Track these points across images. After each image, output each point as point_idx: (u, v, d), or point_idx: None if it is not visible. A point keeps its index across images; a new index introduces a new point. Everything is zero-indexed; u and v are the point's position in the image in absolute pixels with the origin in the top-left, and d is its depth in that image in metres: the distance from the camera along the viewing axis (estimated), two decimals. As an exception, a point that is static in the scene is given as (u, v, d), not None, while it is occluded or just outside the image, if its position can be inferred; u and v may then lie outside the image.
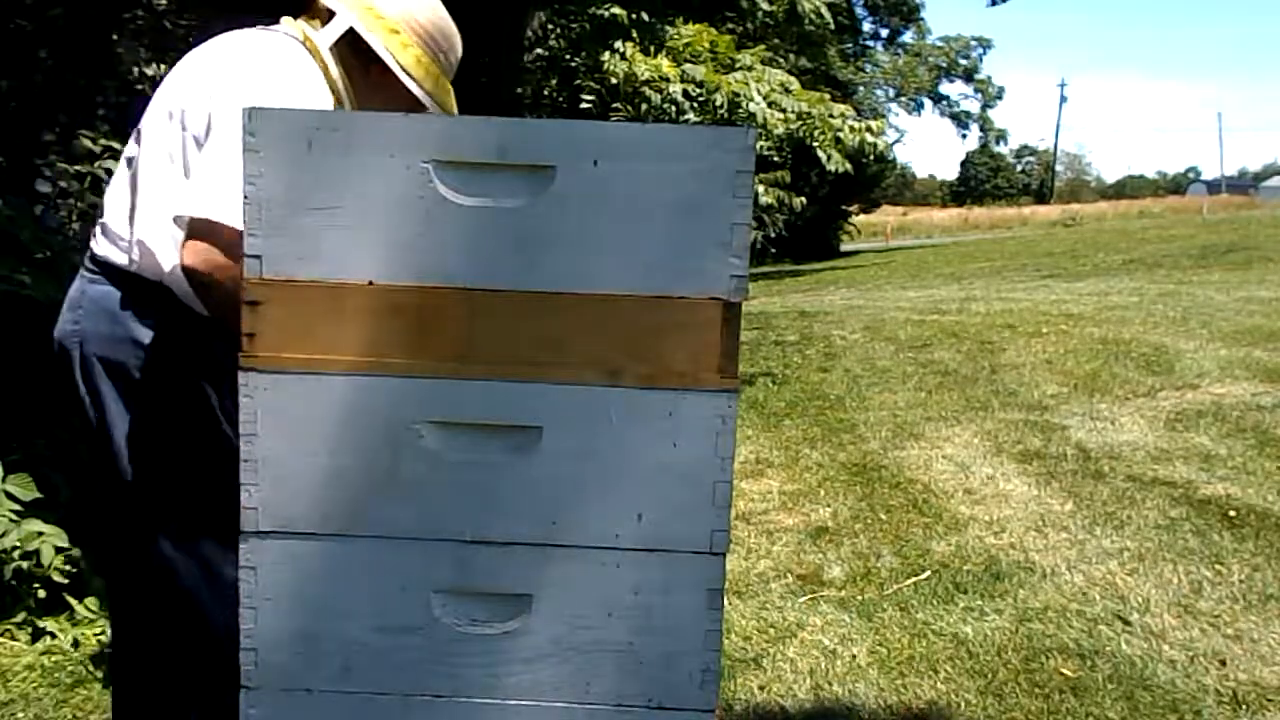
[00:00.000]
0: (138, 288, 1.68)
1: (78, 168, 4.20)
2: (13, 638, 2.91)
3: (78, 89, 4.90)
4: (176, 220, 1.55)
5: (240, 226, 1.41)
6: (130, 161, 1.74)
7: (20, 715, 2.53)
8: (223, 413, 1.65)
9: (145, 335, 1.68)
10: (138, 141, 1.73)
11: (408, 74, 1.72)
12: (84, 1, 4.92)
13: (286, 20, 1.76)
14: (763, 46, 7.89)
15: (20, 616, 2.95)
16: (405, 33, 1.73)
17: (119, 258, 1.70)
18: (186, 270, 1.53)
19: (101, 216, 1.77)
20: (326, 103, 1.65)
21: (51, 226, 3.90)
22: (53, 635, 2.90)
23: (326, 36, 1.71)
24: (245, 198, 1.16)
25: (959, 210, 47.91)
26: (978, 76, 40.15)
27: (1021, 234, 28.45)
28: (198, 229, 1.50)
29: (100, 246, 1.73)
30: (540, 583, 1.21)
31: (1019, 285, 11.88)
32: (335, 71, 1.70)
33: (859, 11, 27.98)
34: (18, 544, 2.89)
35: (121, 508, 1.73)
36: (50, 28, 4.78)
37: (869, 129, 7.13)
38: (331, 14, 1.73)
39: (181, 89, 1.67)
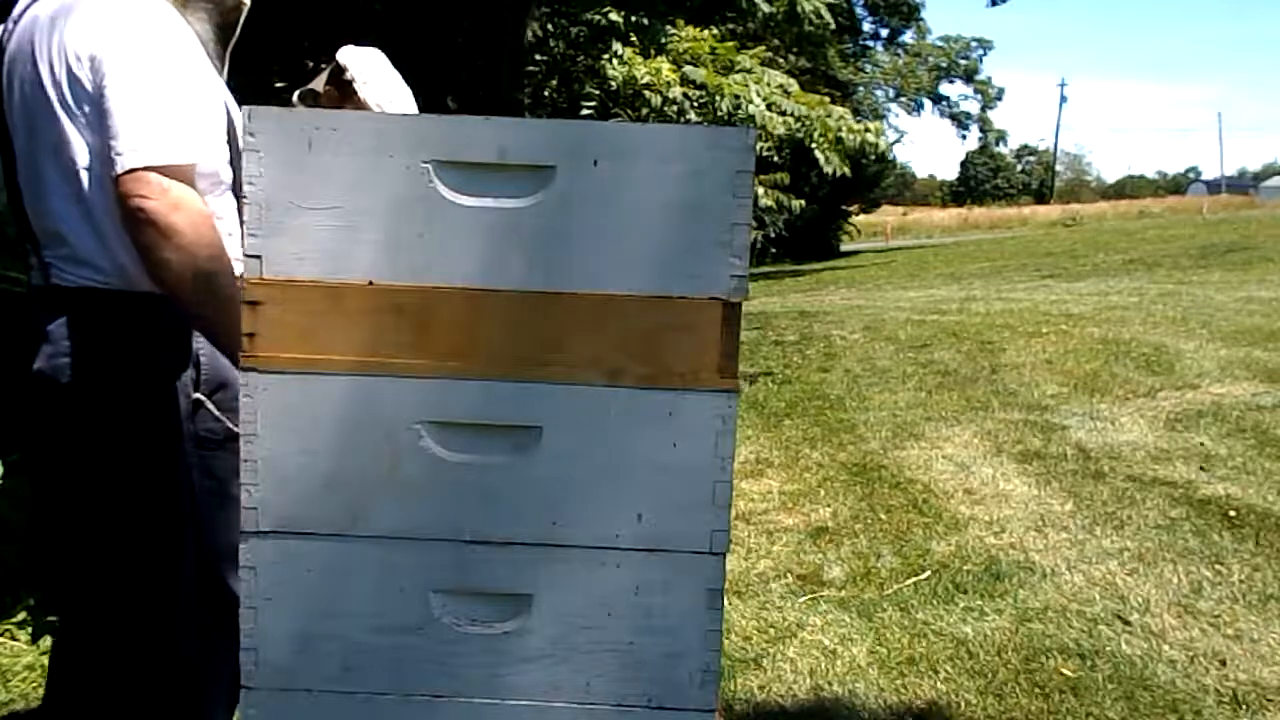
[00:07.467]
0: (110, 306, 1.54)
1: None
2: (13, 638, 2.91)
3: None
4: (121, 180, 1.44)
5: (190, 160, 1.47)
6: (21, 162, 1.56)
7: (20, 715, 2.53)
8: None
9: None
10: (15, 138, 1.56)
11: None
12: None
13: None
14: (762, 47, 7.89)
15: (20, 616, 2.95)
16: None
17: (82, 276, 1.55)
18: (151, 223, 1.43)
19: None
20: (197, 51, 1.59)
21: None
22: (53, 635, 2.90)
23: None
24: (245, 198, 1.16)
25: (959, 210, 47.84)
26: (978, 77, 40.16)
27: (1021, 234, 28.44)
28: (151, 180, 1.43)
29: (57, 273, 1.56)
30: (540, 583, 1.21)
31: (1019, 285, 11.88)
32: (198, 28, 1.62)
33: (859, 11, 27.99)
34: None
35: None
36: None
37: (868, 130, 7.13)
38: None
39: (48, 62, 1.49)
